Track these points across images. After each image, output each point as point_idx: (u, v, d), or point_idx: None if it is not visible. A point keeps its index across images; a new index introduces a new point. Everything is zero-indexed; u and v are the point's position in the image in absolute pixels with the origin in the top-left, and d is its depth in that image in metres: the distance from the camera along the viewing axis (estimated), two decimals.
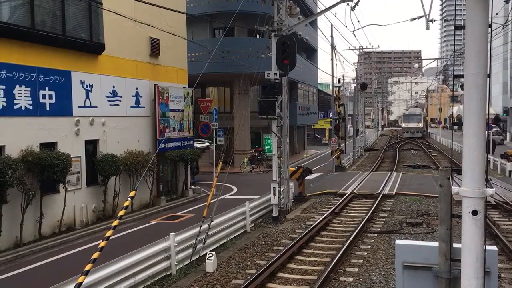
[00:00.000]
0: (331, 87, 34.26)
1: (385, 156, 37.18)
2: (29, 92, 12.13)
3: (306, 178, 18.66)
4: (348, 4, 15.96)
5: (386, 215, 14.81)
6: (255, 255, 10.70)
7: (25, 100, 12.02)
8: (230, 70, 26.21)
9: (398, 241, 4.54)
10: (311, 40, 40.57)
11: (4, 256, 10.67)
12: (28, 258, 10.78)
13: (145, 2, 13.46)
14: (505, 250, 10.41)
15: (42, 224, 12.29)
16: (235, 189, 20.81)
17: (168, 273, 9.28)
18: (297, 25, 16.46)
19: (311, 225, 13.08)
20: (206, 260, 9.65)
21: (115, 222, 5.90)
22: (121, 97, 15.67)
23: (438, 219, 5.03)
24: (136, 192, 8.40)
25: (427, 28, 14.97)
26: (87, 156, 14.16)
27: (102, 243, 5.65)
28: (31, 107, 12.20)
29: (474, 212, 3.63)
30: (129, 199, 6.38)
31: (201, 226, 10.10)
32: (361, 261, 10.06)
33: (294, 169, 17.46)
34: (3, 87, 11.42)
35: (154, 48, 17.32)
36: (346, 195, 17.83)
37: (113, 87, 15.31)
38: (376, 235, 12.32)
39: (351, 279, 8.93)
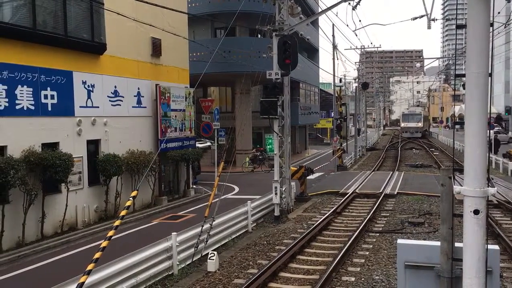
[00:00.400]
0: (332, 86, 34.23)
1: (386, 156, 37.14)
2: (31, 92, 12.15)
3: (308, 177, 18.66)
4: (349, 3, 16.02)
5: (388, 214, 14.80)
6: (257, 255, 10.70)
7: (27, 100, 12.04)
8: (232, 70, 26.21)
9: (400, 241, 4.54)
10: (313, 39, 40.59)
11: (7, 256, 10.69)
12: (30, 258, 10.81)
13: (146, 2, 13.47)
14: (507, 249, 10.38)
15: (44, 224, 12.31)
16: (236, 189, 20.82)
17: (170, 273, 9.29)
18: (298, 24, 16.46)
19: (313, 224, 13.08)
20: (208, 260, 9.65)
21: (117, 222, 5.91)
22: (123, 97, 15.69)
23: (440, 218, 5.03)
24: (138, 192, 8.40)
25: (429, 27, 14.98)
26: (89, 156, 14.18)
27: (104, 243, 5.67)
28: (33, 107, 12.22)
29: (476, 212, 3.62)
30: (131, 199, 6.39)
31: (202, 226, 10.11)
32: (363, 260, 10.06)
33: (296, 168, 17.47)
34: (5, 87, 11.44)
35: (156, 48, 17.34)
36: (348, 194, 17.81)
37: (115, 87, 15.33)
38: (378, 234, 12.30)
39: (353, 279, 8.92)
